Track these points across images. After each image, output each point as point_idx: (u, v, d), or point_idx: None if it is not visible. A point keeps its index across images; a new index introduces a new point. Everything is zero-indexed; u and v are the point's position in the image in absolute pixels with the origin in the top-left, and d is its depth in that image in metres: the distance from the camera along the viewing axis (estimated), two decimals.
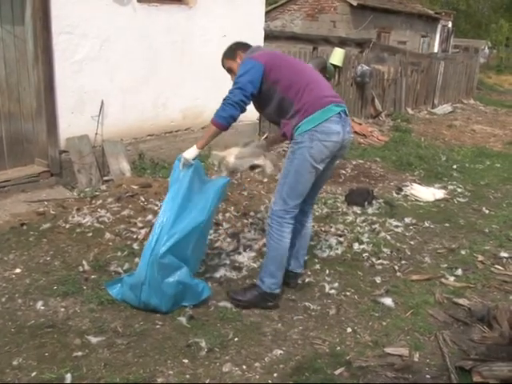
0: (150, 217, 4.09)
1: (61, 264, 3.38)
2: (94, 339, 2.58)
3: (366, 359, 2.54)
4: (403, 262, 3.72)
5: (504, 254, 3.88)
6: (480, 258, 3.83)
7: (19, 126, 4.67)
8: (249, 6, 6.32)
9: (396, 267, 3.62)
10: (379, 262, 3.68)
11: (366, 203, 4.81)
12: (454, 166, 6.59)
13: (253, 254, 3.63)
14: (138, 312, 2.84)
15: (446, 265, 3.70)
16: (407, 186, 5.57)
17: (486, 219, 4.73)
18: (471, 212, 4.95)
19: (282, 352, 2.58)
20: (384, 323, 2.90)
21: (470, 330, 2.85)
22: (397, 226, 4.38)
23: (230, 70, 3.02)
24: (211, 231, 3.95)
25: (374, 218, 4.52)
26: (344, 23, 15.72)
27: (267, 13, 12.82)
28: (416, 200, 5.19)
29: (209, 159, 4.01)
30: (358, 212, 4.67)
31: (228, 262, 3.51)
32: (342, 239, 4.01)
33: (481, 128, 9.93)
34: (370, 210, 4.73)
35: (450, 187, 5.69)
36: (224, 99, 2.74)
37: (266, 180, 5.30)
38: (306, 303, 3.06)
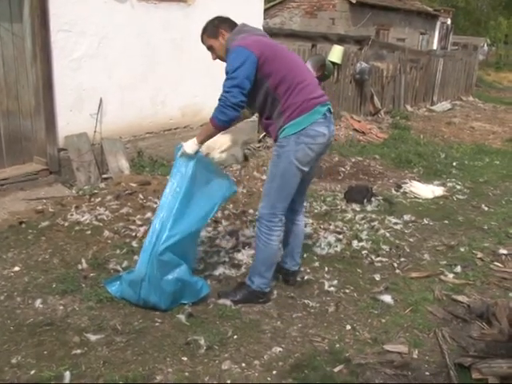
0: (148, 214, 4.09)
1: (59, 262, 3.38)
2: (92, 337, 2.57)
3: (365, 356, 2.54)
4: (402, 259, 3.72)
5: (503, 251, 3.87)
6: (479, 254, 3.82)
7: (18, 124, 4.66)
8: (247, 3, 6.29)
9: (395, 264, 3.62)
10: (378, 259, 3.68)
11: (365, 200, 4.80)
12: (453, 163, 6.59)
13: (252, 251, 3.61)
14: (136, 310, 2.84)
15: (445, 262, 3.70)
16: (406, 183, 5.56)
17: (485, 216, 4.73)
18: (470, 209, 4.95)
19: (281, 349, 2.58)
20: (383, 320, 2.90)
21: (469, 327, 2.85)
22: (396, 224, 4.38)
23: (210, 48, 2.89)
24: (210, 229, 3.96)
25: (373, 216, 4.52)
26: (343, 20, 15.70)
27: (266, 10, 12.82)
28: (415, 197, 5.19)
29: None
30: (357, 209, 4.67)
31: (227, 259, 3.51)
32: (341, 237, 4.01)
33: (480, 125, 9.91)
34: (369, 208, 4.73)
35: (449, 184, 5.69)
36: (223, 99, 2.60)
37: (264, 177, 5.29)
38: (305, 301, 3.06)
